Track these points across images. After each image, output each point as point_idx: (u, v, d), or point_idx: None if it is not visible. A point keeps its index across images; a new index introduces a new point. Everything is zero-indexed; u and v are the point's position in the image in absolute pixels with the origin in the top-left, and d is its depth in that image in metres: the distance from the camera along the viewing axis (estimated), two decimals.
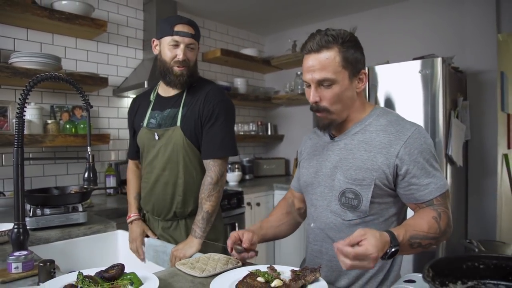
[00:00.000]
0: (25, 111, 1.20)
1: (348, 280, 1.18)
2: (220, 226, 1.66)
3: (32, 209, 1.58)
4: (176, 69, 1.51)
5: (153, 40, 1.58)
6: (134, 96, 2.49)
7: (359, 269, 0.87)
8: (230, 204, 2.85)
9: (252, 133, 3.89)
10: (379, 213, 1.14)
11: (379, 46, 3.19)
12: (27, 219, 1.49)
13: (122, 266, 0.98)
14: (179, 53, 1.49)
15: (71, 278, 0.96)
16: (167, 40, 1.50)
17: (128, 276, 0.95)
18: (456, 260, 0.79)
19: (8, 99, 2.34)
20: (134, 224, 1.66)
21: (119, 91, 2.83)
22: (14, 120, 2.24)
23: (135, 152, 1.75)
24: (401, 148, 1.09)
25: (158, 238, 1.61)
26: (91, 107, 1.36)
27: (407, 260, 2.36)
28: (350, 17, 3.56)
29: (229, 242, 1.19)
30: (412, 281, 0.87)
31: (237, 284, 0.96)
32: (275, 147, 4.26)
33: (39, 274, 1.01)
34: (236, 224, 2.86)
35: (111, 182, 2.72)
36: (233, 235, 1.19)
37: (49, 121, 2.40)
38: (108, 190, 2.72)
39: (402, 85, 2.49)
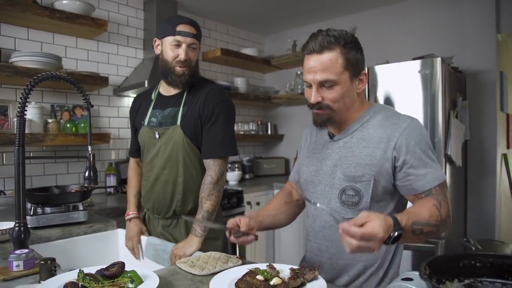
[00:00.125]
0: (26, 110, 1.20)
1: (348, 277, 1.19)
2: None
3: (32, 207, 1.59)
4: (178, 69, 1.51)
5: (155, 40, 1.58)
6: (134, 95, 2.50)
7: (363, 252, 0.86)
8: (230, 203, 2.85)
9: (252, 132, 3.89)
10: (379, 210, 1.14)
11: (379, 46, 3.19)
12: (28, 217, 1.49)
13: (122, 264, 0.99)
14: (181, 53, 1.49)
15: (72, 276, 0.97)
16: (169, 40, 1.50)
17: (128, 274, 0.96)
18: (453, 258, 0.79)
19: (9, 98, 2.34)
20: (132, 223, 1.66)
21: (119, 91, 2.84)
22: (15, 119, 2.25)
23: (136, 150, 1.76)
24: (397, 139, 1.09)
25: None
26: (92, 106, 1.37)
27: (405, 259, 2.37)
28: (350, 17, 3.57)
29: (228, 227, 1.16)
30: (410, 279, 0.88)
31: (236, 282, 0.97)
32: (275, 147, 4.27)
33: (40, 272, 1.02)
34: None
35: (111, 181, 2.73)
36: (230, 222, 1.17)
37: (50, 120, 2.41)
38: (108, 189, 2.72)
39: (401, 85, 2.50)
